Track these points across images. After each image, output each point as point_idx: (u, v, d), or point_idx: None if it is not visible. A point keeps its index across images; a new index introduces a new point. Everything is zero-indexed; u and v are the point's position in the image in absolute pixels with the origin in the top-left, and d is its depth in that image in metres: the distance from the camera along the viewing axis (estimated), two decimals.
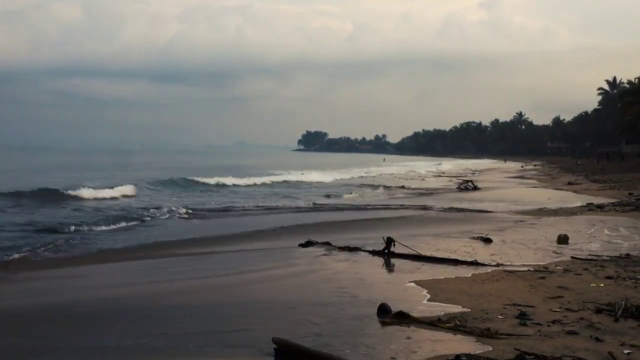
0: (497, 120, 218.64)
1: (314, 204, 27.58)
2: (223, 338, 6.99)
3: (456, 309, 7.93)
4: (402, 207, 25.06)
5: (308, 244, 13.81)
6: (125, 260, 12.97)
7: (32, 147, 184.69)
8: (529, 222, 18.86)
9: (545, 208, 23.56)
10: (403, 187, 40.42)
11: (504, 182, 48.00)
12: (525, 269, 10.69)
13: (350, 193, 35.24)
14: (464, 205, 25.07)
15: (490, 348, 6.25)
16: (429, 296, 8.72)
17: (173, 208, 23.25)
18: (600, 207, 22.77)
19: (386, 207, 25.03)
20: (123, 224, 18.88)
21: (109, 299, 9.25)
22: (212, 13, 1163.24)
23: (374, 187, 40.90)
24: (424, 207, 24.17)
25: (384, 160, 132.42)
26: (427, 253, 12.27)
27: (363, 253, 12.72)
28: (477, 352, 6.11)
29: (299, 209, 24.92)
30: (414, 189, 38.37)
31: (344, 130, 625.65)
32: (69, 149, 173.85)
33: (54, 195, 26.72)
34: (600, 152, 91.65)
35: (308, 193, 34.98)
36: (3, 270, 11.64)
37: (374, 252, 12.60)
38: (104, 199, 27.28)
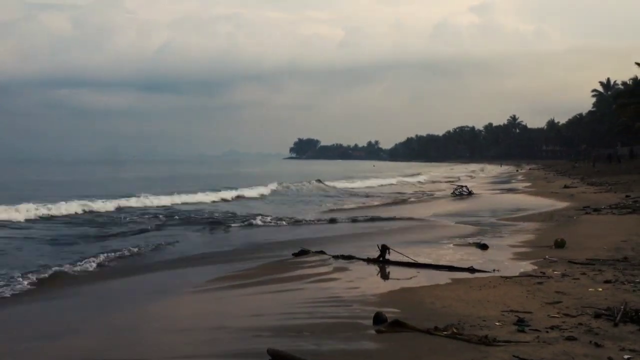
0: (490, 124, 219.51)
1: None
2: (217, 348, 6.91)
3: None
4: None
5: (302, 252, 13.72)
6: None
7: (27, 159, 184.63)
8: (525, 227, 18.83)
9: (542, 212, 23.54)
10: None
11: (497, 187, 48.06)
12: (523, 274, 10.60)
13: None
14: None
15: (487, 355, 6.14)
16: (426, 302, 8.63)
17: None
18: (597, 210, 22.72)
19: None
20: None
21: None
22: (202, 21, 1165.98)
23: None
24: None
25: (373, 166, 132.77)
26: (423, 260, 12.17)
27: (358, 261, 12.61)
28: None
29: None
30: None
31: (336, 137, 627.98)
32: (64, 160, 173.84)
33: None
34: (596, 154, 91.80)
35: None
36: None
37: (368, 260, 12.49)
38: None
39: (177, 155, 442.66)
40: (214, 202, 33.34)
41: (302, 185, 47.56)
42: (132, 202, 29.82)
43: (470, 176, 73.05)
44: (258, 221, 22.76)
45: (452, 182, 43.32)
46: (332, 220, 23.29)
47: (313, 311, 8.44)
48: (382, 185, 53.36)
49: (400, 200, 36.47)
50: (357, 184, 52.81)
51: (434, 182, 59.41)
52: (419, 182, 60.07)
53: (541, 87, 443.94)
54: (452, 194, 37.88)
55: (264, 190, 40.94)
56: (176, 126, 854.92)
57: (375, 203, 34.39)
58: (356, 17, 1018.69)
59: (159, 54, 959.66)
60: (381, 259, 12.35)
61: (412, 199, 36.74)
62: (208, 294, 10.44)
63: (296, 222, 22.99)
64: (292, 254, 13.73)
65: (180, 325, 8.31)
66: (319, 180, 50.32)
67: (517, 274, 10.60)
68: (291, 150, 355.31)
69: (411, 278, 10.72)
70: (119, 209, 27.19)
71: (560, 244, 13.61)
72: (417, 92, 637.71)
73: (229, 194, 36.47)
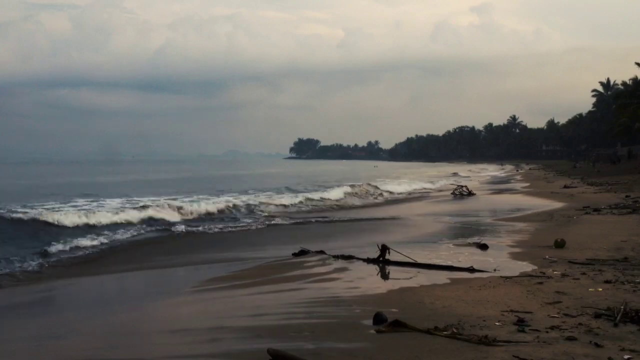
0: (490, 124, 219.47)
1: None
2: (217, 348, 6.89)
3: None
4: None
5: (302, 252, 13.69)
6: None
7: (27, 160, 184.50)
8: (525, 227, 18.79)
9: (541, 212, 23.51)
10: None
11: (497, 187, 48.02)
12: (523, 274, 10.58)
13: None
14: None
15: (488, 355, 6.12)
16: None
17: None
18: (597, 210, 22.68)
19: None
20: None
21: None
22: (201, 21, 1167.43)
23: None
24: None
25: (375, 166, 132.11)
26: (422, 260, 12.15)
27: (358, 261, 12.59)
28: None
29: None
30: None
31: (336, 137, 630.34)
32: (63, 160, 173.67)
33: None
34: (596, 154, 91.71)
35: None
36: None
37: (368, 260, 12.46)
38: None
39: (177, 155, 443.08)
40: (303, 201, 33.92)
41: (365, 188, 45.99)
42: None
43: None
44: None
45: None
46: None
47: (313, 311, 8.42)
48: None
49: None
50: (404, 187, 49.50)
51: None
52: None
53: (541, 87, 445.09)
54: (452, 193, 37.77)
55: (342, 191, 40.14)
56: (175, 126, 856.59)
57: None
58: (356, 17, 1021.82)
59: (158, 54, 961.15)
60: (381, 259, 12.32)
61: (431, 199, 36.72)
62: (208, 294, 10.42)
63: None
64: (292, 254, 13.70)
65: (180, 325, 8.29)
66: (369, 184, 49.17)
67: (517, 274, 10.58)
68: (291, 150, 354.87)
69: (411, 278, 10.68)
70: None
71: (560, 244, 13.58)
72: (417, 92, 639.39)
73: (312, 195, 36.24)
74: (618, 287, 9.27)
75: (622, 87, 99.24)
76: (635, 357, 6.02)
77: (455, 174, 76.79)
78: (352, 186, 42.29)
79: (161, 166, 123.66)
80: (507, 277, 10.30)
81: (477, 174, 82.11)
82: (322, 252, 13.57)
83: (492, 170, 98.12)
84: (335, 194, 37.50)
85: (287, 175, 76.17)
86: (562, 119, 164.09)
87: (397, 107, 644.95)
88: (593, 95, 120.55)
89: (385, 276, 11.32)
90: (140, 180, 59.76)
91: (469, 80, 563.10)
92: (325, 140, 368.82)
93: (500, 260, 12.30)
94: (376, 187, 44.58)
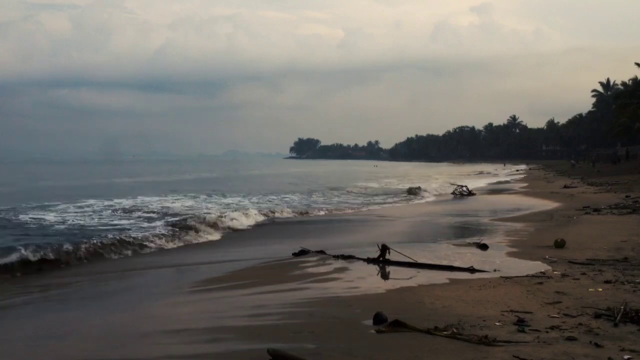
0: (490, 124, 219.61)
1: None
2: (217, 348, 6.90)
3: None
4: None
5: (302, 252, 13.68)
6: None
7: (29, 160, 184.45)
8: (524, 227, 18.79)
9: (541, 212, 23.51)
10: None
11: (496, 187, 48.00)
12: (523, 274, 10.57)
13: None
14: None
15: (488, 355, 6.12)
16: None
17: None
18: (597, 210, 22.68)
19: None
20: None
21: None
22: (201, 21, 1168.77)
23: None
24: None
25: (375, 166, 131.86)
26: (423, 260, 12.14)
27: (358, 261, 12.58)
28: None
29: None
30: None
31: (336, 137, 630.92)
32: (65, 160, 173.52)
33: None
34: (596, 154, 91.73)
35: None
36: None
37: (368, 260, 12.45)
38: None
39: (177, 155, 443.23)
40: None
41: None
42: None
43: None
44: None
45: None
46: None
47: (313, 311, 8.42)
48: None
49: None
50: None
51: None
52: None
53: (541, 87, 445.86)
54: (452, 193, 37.73)
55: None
56: (175, 126, 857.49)
57: None
58: (356, 17, 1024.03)
59: (158, 54, 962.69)
60: (381, 258, 12.32)
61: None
62: (208, 294, 10.40)
63: None
64: (292, 254, 13.69)
65: (180, 325, 8.27)
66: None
67: (517, 274, 10.57)
68: (291, 150, 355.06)
69: (411, 278, 10.68)
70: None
71: (560, 244, 13.58)
72: (417, 92, 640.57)
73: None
74: (618, 287, 9.27)
75: (622, 87, 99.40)
76: (635, 357, 6.02)
77: (481, 173, 78.22)
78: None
79: (168, 166, 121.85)
80: (507, 277, 10.29)
81: (502, 172, 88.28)
82: (322, 252, 13.56)
83: (503, 170, 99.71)
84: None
85: (308, 176, 75.37)
86: (562, 119, 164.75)
87: (397, 107, 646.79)
88: (593, 96, 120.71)
89: (385, 276, 11.31)
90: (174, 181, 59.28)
91: (469, 80, 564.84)
92: (325, 140, 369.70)
93: (500, 260, 12.29)
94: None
